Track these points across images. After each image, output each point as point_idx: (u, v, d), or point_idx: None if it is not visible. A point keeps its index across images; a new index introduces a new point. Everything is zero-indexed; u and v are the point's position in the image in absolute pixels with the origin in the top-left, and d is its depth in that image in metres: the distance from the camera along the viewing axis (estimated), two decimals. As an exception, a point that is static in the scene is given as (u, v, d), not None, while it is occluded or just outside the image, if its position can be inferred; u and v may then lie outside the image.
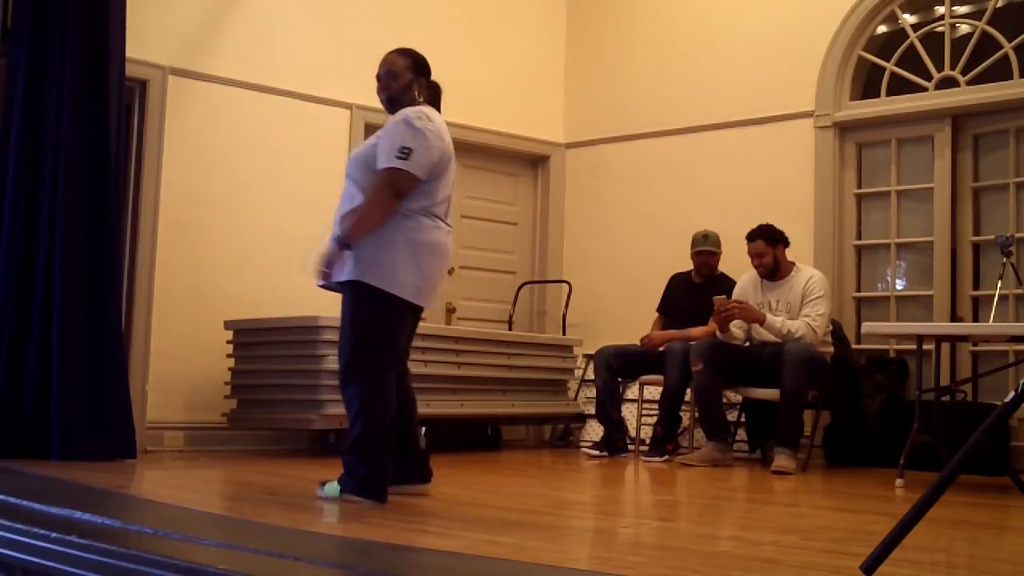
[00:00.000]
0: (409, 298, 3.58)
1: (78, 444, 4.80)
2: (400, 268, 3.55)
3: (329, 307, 6.33)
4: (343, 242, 3.54)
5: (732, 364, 5.71)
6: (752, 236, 5.80)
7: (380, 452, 3.54)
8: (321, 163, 6.47)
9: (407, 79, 3.77)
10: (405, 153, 3.53)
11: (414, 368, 5.85)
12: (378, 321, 3.58)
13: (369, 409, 3.53)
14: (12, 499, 3.24)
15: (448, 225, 3.73)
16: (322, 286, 3.76)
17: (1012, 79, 5.88)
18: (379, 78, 3.79)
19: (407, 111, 3.65)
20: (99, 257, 5.01)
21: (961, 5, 6.21)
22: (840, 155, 6.44)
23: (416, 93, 3.77)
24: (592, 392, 6.50)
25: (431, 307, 3.83)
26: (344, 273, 3.59)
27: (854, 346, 6.19)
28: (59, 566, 2.54)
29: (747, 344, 5.86)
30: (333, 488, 3.56)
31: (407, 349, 3.85)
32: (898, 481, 4.68)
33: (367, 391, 3.54)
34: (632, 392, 6.59)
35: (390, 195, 3.54)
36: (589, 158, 7.54)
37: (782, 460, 5.30)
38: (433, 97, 3.86)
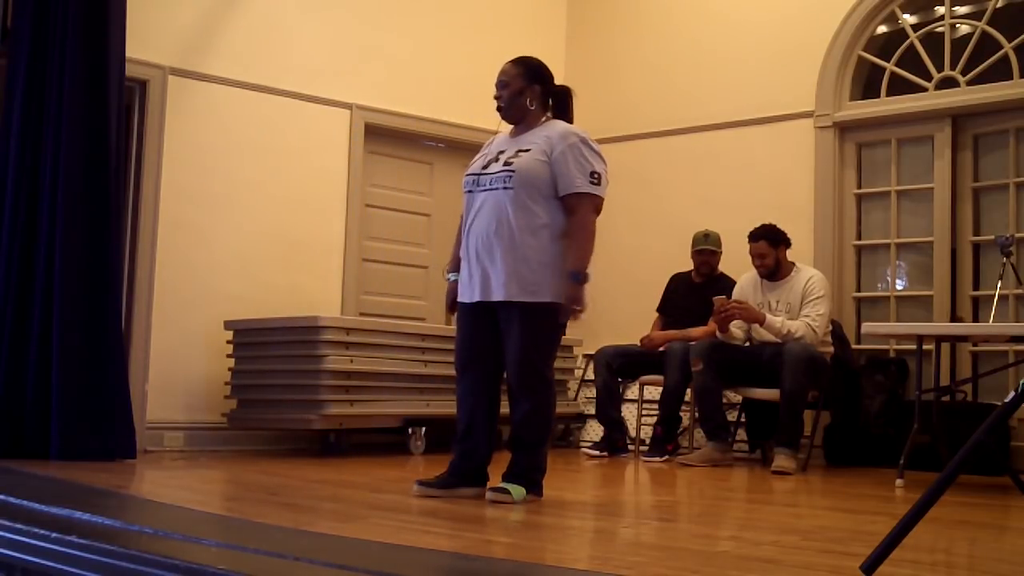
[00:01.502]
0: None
1: (78, 444, 4.80)
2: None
3: (329, 307, 6.38)
4: (582, 276, 3.66)
5: (732, 364, 5.71)
6: (755, 236, 5.80)
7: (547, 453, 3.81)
8: (321, 163, 6.47)
9: (517, 86, 3.84)
10: (596, 178, 3.70)
11: (414, 368, 5.90)
12: (559, 333, 3.76)
13: (550, 417, 3.76)
14: (12, 499, 3.24)
15: None
16: (462, 303, 3.78)
17: (1012, 79, 5.88)
18: (496, 87, 3.89)
19: (578, 131, 3.79)
20: (99, 257, 5.00)
21: (961, 5, 6.21)
22: (840, 155, 6.44)
23: (528, 101, 3.83)
24: (592, 392, 6.49)
25: None
26: (529, 293, 3.64)
27: (854, 346, 6.19)
28: (59, 566, 2.54)
29: (747, 344, 5.86)
30: (520, 491, 3.64)
31: None
32: (898, 481, 4.68)
33: (551, 399, 3.75)
34: (632, 392, 6.59)
35: (595, 220, 3.71)
36: (589, 158, 7.53)
37: (782, 460, 5.30)
38: (560, 103, 3.91)
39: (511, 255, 3.64)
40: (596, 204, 3.69)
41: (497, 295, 3.67)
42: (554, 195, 3.69)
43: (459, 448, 3.81)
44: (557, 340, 3.78)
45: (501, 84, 3.87)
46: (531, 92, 3.83)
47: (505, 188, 3.68)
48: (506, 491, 3.63)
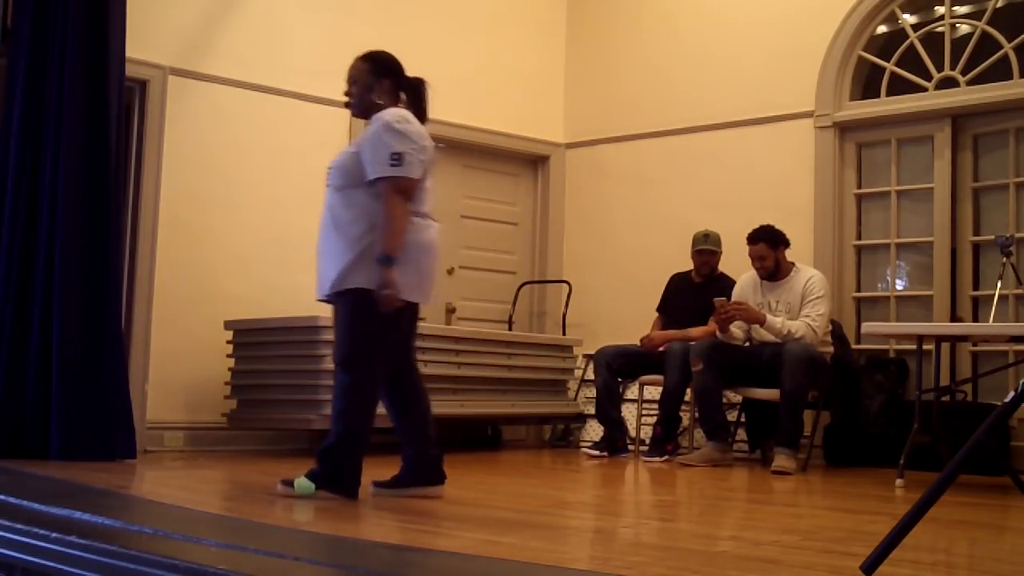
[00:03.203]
0: (407, 297, 3.63)
1: (78, 444, 4.80)
2: (398, 269, 3.58)
3: (328, 307, 6.36)
4: (388, 259, 3.54)
5: (732, 364, 5.71)
6: (754, 239, 5.79)
7: (360, 452, 3.65)
8: (321, 163, 6.40)
9: (366, 82, 3.79)
10: (397, 159, 3.57)
11: (414, 368, 5.89)
12: (376, 324, 3.61)
13: (355, 412, 3.63)
14: (12, 499, 3.24)
15: (433, 220, 3.78)
16: (321, 299, 3.79)
17: (1012, 79, 5.88)
18: (347, 83, 3.84)
19: (384, 115, 3.68)
20: (99, 257, 5.00)
21: (961, 5, 6.21)
22: (840, 155, 6.44)
23: (377, 96, 3.78)
24: (592, 392, 6.50)
25: (427, 303, 3.85)
26: (336, 284, 3.64)
27: (854, 346, 6.19)
28: (59, 566, 2.54)
29: (747, 344, 5.86)
30: (306, 485, 3.60)
31: (411, 346, 3.91)
32: (898, 481, 4.68)
33: (360, 391, 3.64)
34: (632, 392, 6.59)
35: (401, 202, 3.58)
36: (589, 158, 7.54)
37: (782, 460, 5.30)
38: (411, 95, 3.86)
39: (331, 249, 3.66)
40: (398, 185, 3.57)
41: (322, 291, 3.71)
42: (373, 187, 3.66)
43: (407, 451, 3.82)
44: (375, 330, 3.61)
45: (351, 81, 3.83)
46: (380, 87, 3.79)
47: (328, 186, 3.75)
48: (287, 481, 3.66)
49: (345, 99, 3.84)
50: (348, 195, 3.67)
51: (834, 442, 5.98)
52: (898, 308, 6.23)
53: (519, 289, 7.44)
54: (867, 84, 6.49)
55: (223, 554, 2.46)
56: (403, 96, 3.85)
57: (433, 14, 6.97)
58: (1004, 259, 5.01)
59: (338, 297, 3.66)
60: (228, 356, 5.86)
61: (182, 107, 5.93)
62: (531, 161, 7.65)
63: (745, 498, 4.55)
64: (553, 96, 7.65)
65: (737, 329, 5.81)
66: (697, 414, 5.93)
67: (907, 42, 6.27)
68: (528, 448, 7.05)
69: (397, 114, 3.68)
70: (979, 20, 6.03)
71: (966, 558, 3.09)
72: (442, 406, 6.04)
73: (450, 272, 7.23)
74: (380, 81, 3.79)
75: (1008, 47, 5.90)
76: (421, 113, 3.85)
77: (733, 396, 6.11)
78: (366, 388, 3.65)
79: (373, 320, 3.58)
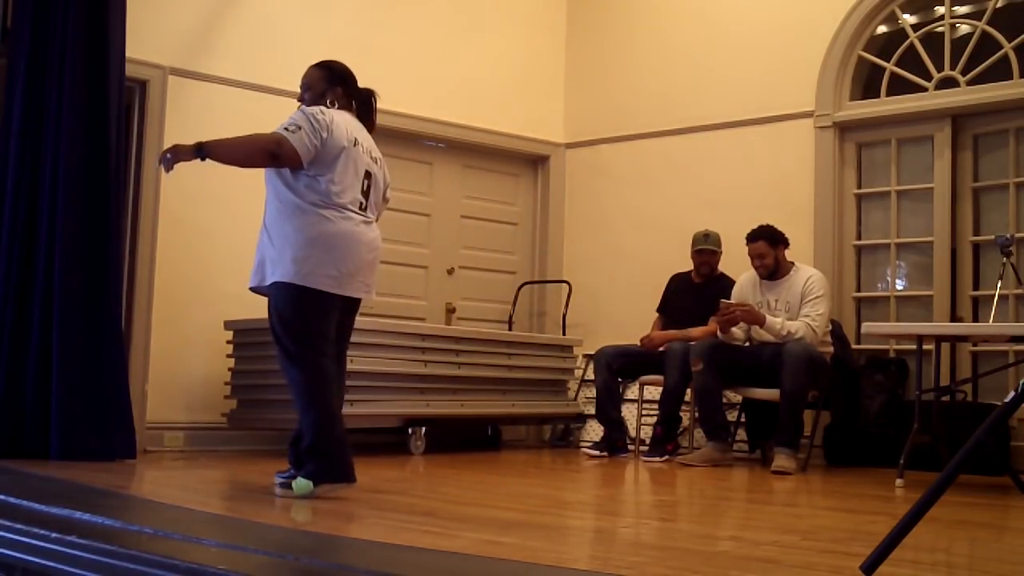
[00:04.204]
0: (326, 289, 3.70)
1: (78, 444, 4.80)
2: (311, 262, 3.67)
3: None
4: (200, 150, 3.71)
5: (732, 364, 5.71)
6: (753, 237, 5.80)
7: (338, 438, 3.68)
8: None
9: (320, 89, 3.92)
10: (293, 128, 3.70)
11: (414, 368, 5.90)
12: (304, 315, 3.70)
13: (317, 401, 3.67)
14: (12, 499, 3.24)
15: (360, 214, 3.83)
16: (252, 289, 3.87)
17: (1012, 79, 5.88)
18: (300, 89, 3.96)
19: (313, 107, 3.82)
20: (99, 257, 5.01)
21: (961, 5, 6.21)
22: (840, 155, 6.44)
23: (329, 102, 3.89)
24: (592, 392, 6.50)
25: (361, 295, 3.88)
26: (264, 278, 3.74)
27: (854, 346, 6.19)
28: (59, 566, 2.54)
29: (747, 344, 5.86)
30: (304, 484, 3.62)
31: (347, 341, 3.97)
32: (898, 481, 4.68)
33: (311, 383, 3.69)
34: (632, 392, 6.59)
35: (263, 149, 3.70)
36: (589, 158, 7.54)
37: (782, 460, 5.31)
38: (361, 106, 3.98)
39: (266, 239, 3.77)
40: (279, 141, 3.67)
41: (253, 280, 3.81)
42: (290, 177, 3.73)
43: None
44: (301, 318, 3.70)
45: (304, 87, 3.95)
46: (333, 94, 3.91)
47: (266, 182, 3.85)
48: (282, 483, 3.73)
49: (299, 102, 3.94)
50: (277, 186, 3.77)
51: (834, 442, 5.98)
52: (898, 308, 6.23)
53: (519, 289, 7.44)
54: (867, 84, 6.49)
55: (223, 554, 2.46)
56: (353, 105, 3.97)
57: (433, 14, 6.97)
58: (1004, 259, 5.02)
59: (269, 291, 3.76)
60: (228, 356, 5.86)
61: (182, 107, 5.93)
62: (531, 161, 7.65)
63: (745, 498, 4.55)
64: (553, 96, 7.65)
65: (737, 329, 5.81)
66: (697, 414, 5.93)
67: (907, 42, 6.26)
68: (528, 448, 7.05)
69: (318, 107, 3.80)
70: (979, 20, 6.03)
71: (966, 558, 3.10)
72: (442, 406, 6.06)
73: (450, 272, 7.24)
74: (333, 88, 3.92)
75: (1008, 47, 5.90)
76: (370, 122, 3.99)
77: (733, 396, 6.12)
78: (317, 375, 3.70)
79: (295, 308, 3.68)
